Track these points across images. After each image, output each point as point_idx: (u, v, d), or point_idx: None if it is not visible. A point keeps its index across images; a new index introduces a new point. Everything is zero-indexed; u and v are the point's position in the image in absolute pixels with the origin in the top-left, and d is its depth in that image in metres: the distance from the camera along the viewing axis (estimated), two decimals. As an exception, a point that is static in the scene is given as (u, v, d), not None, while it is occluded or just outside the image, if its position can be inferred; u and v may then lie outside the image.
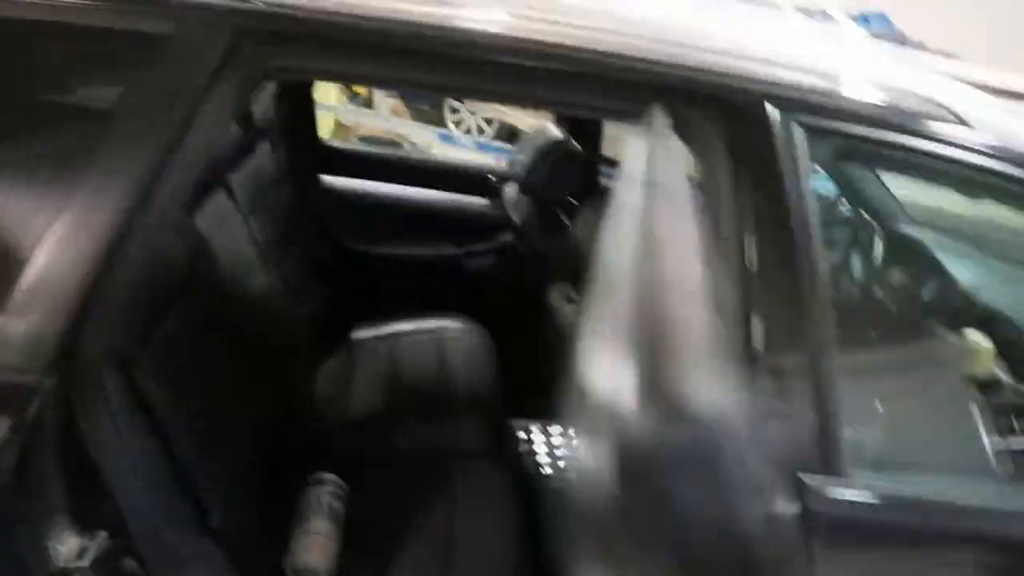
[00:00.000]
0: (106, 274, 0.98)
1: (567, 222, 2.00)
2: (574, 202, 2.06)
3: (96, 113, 1.02)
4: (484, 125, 6.00)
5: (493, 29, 1.03)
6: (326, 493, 1.71)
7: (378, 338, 2.37)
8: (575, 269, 1.51)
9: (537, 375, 2.51)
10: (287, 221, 2.21)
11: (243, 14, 1.01)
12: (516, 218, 2.03)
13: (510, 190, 2.19)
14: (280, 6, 1.01)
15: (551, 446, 2.51)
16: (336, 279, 2.47)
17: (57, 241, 0.97)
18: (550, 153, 1.93)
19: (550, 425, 2.55)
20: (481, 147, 5.14)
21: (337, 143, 2.75)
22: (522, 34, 1.03)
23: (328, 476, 1.74)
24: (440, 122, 5.78)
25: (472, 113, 5.96)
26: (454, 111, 5.98)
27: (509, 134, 5.81)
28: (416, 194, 2.58)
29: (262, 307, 1.85)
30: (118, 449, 1.07)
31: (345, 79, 1.03)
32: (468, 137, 5.45)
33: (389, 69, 1.03)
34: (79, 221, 0.97)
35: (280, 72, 1.04)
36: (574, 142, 1.98)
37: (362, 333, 2.39)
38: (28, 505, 0.99)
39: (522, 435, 2.38)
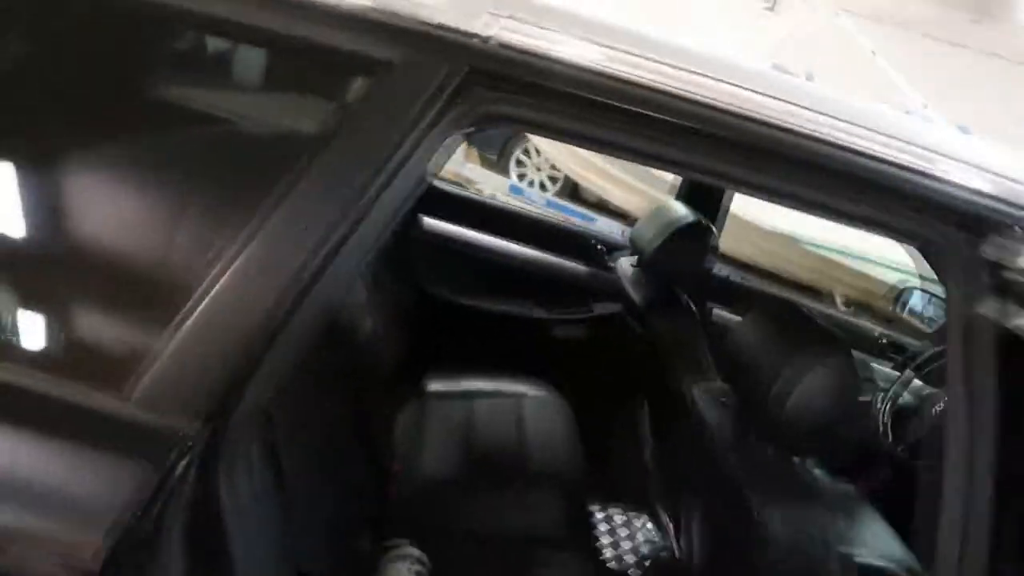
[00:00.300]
0: (289, 317, 0.86)
1: (692, 306, 1.88)
2: (695, 285, 1.94)
3: (298, 136, 0.91)
4: (548, 182, 5.94)
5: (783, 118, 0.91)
6: (410, 570, 1.56)
7: (453, 393, 2.25)
8: (727, 368, 1.38)
9: (625, 458, 2.38)
10: (379, 260, 2.10)
11: (475, 52, 0.91)
12: (634, 295, 1.91)
13: (625, 263, 2.07)
14: (516, 50, 0.91)
15: (630, 536, 2.35)
16: (416, 325, 2.34)
17: (242, 275, 0.85)
18: (683, 233, 1.81)
19: (630, 512, 2.40)
20: (550, 204, 5.05)
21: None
22: (803, 126, 0.91)
23: (410, 549, 1.60)
24: (505, 173, 5.72)
25: (538, 169, 5.91)
26: (519, 163, 5.93)
27: (572, 191, 5.74)
28: (510, 248, 2.47)
29: (359, 352, 1.73)
30: (251, 515, 0.94)
31: (580, 141, 0.91)
32: (538, 192, 5.38)
33: (638, 139, 0.91)
34: (271, 255, 0.85)
35: (504, 121, 0.93)
36: (708, 223, 1.87)
37: (437, 385, 2.27)
38: (149, 570, 0.85)
39: (602, 522, 2.22)
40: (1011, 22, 5.49)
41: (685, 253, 1.86)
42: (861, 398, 1.64)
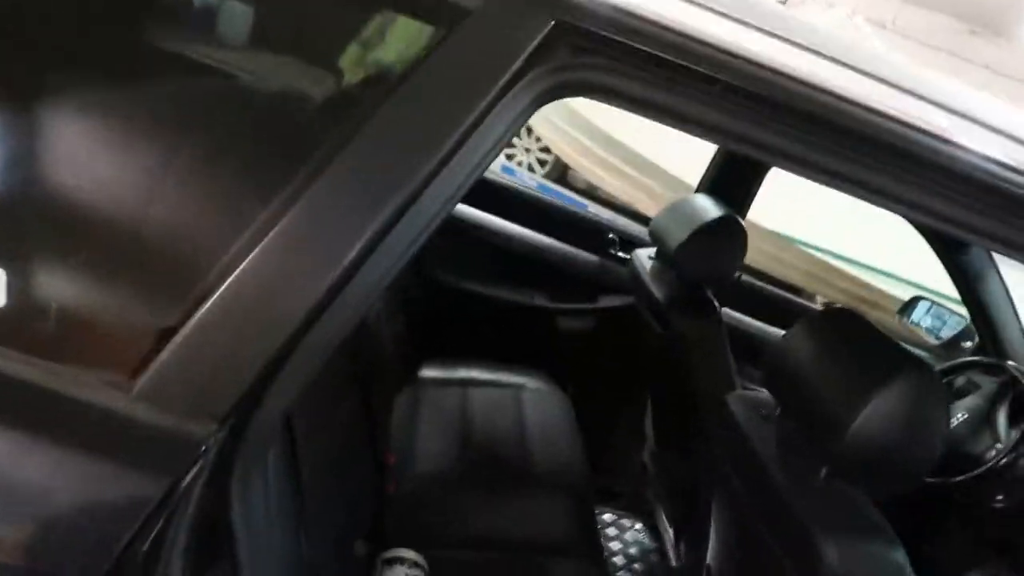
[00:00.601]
0: (326, 306, 0.72)
1: (717, 307, 1.77)
2: (723, 286, 1.83)
3: (348, 92, 0.77)
4: (536, 165, 5.81)
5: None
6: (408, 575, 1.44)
7: (449, 381, 2.12)
8: (773, 380, 1.27)
9: (623, 458, 2.28)
10: None
11: (563, 5, 0.77)
12: (655, 290, 1.79)
13: (643, 256, 1.95)
14: (613, 7, 0.77)
15: (619, 538, 2.26)
16: (416, 310, 2.21)
17: (275, 253, 0.70)
18: (713, 229, 1.69)
19: (620, 513, 2.31)
20: (542, 188, 4.92)
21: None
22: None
23: (408, 554, 1.47)
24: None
25: (527, 150, 5.79)
26: (509, 144, 5.79)
27: (561, 175, 5.62)
28: (515, 232, 2.33)
29: (362, 338, 1.59)
30: (264, 532, 0.80)
31: (682, 123, 0.77)
32: (531, 176, 5.24)
33: (754, 127, 0.78)
34: (310, 231, 0.71)
35: (590, 89, 0.79)
36: (740, 221, 1.75)
37: (432, 372, 2.14)
38: None
39: (606, 528, 2.13)
40: (1011, 37, 5.47)
41: (715, 251, 1.74)
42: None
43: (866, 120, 0.77)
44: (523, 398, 2.10)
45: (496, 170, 5.01)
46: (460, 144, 0.75)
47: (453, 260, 2.30)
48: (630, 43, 0.77)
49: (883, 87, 0.81)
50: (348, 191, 0.73)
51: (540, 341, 2.33)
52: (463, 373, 2.14)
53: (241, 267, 0.70)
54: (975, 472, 1.67)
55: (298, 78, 0.79)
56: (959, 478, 1.68)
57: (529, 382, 2.15)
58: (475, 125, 0.75)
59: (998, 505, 1.71)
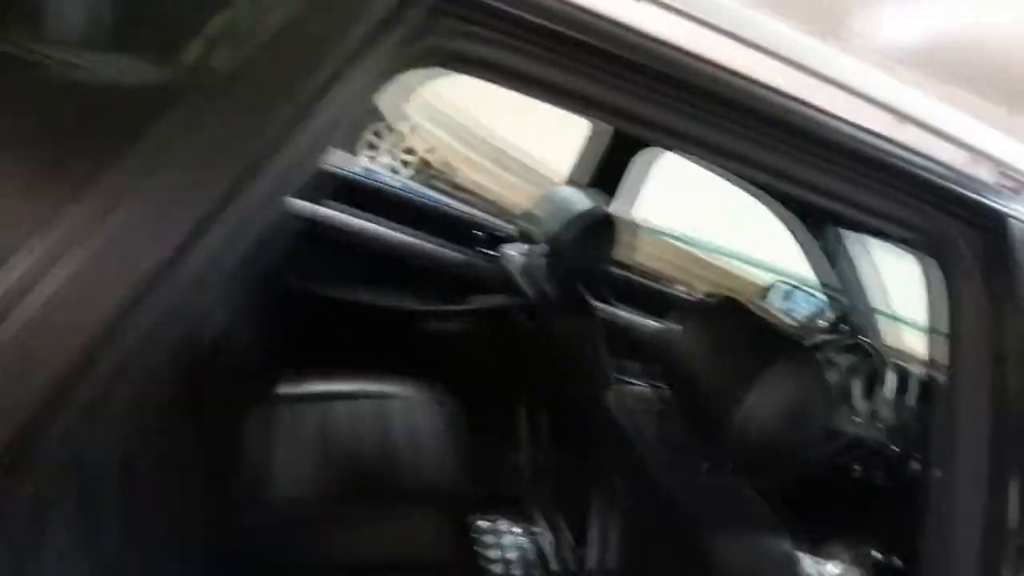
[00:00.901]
0: (131, 324, 0.57)
1: (592, 302, 1.72)
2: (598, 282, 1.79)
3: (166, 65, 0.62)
4: (400, 166, 5.65)
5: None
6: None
7: (309, 396, 1.96)
8: (660, 374, 1.22)
9: (501, 464, 2.19)
10: None
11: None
12: (528, 288, 1.71)
13: (514, 253, 1.87)
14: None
15: (498, 545, 2.18)
16: (270, 319, 2.02)
17: (67, 253, 0.55)
18: (589, 222, 1.63)
19: (498, 519, 2.23)
20: (406, 189, 4.77)
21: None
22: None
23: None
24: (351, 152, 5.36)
25: (390, 150, 5.61)
26: (370, 146, 5.60)
27: (426, 174, 5.48)
28: (379, 231, 2.20)
29: (203, 354, 1.41)
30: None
31: (560, 99, 0.68)
32: (395, 177, 5.07)
33: (649, 106, 0.70)
34: (116, 226, 0.56)
35: (457, 60, 0.69)
36: (614, 212, 1.71)
37: (290, 388, 1.96)
38: None
39: (483, 535, 2.03)
40: (845, 39, 5.88)
41: (587, 244, 1.68)
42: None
43: (760, 96, 0.73)
44: (390, 409, 1.97)
45: (358, 171, 4.82)
46: (296, 124, 0.62)
47: (310, 265, 2.13)
48: (512, 11, 0.67)
49: (774, 61, 0.76)
50: (157, 181, 0.59)
51: (409, 346, 2.21)
52: (324, 387, 1.99)
53: (21, 269, 0.54)
54: (835, 445, 1.73)
55: (104, 59, 0.64)
56: (820, 452, 1.72)
57: (397, 391, 2.03)
58: (314, 102, 0.63)
59: (856, 476, 1.77)
